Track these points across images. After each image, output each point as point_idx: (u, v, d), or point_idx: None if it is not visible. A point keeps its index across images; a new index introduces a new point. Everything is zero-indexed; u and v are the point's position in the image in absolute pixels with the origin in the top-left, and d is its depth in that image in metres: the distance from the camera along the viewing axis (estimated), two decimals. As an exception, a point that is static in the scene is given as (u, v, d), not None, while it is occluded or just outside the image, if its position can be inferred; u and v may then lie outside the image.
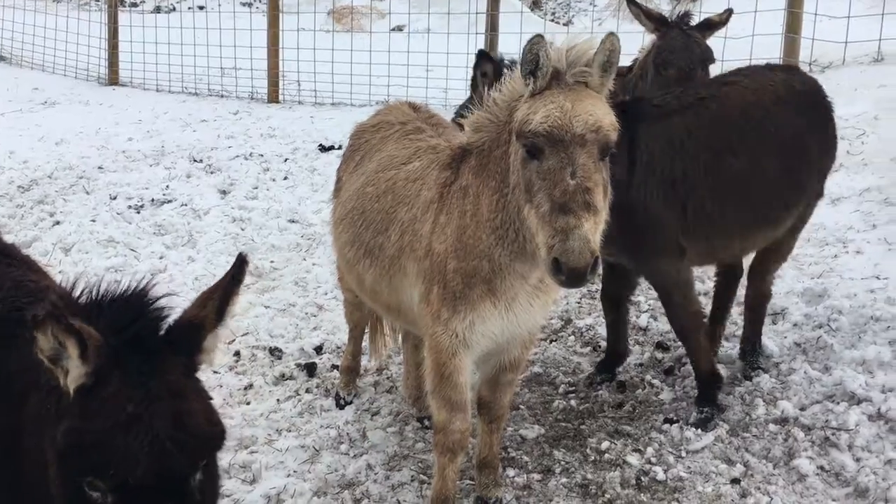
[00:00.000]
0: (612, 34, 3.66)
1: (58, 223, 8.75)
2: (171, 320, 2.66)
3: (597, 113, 3.56)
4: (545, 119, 3.51)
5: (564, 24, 16.12)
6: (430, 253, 4.11)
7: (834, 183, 7.44)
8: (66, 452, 2.43)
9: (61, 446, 2.45)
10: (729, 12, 6.81)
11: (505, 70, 5.43)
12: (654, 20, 6.45)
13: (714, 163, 5.04)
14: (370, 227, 4.48)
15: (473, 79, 5.84)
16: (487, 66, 5.73)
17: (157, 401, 2.43)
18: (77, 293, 2.80)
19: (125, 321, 2.57)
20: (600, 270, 3.49)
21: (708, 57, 6.51)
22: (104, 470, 2.36)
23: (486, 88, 5.53)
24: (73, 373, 2.46)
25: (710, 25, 6.67)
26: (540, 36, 3.60)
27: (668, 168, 4.99)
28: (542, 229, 3.52)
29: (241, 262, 2.72)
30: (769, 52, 10.76)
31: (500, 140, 3.92)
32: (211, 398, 2.68)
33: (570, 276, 3.41)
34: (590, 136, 3.51)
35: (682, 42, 6.27)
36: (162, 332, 2.60)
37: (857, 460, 4.79)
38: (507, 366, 4.42)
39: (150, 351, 2.53)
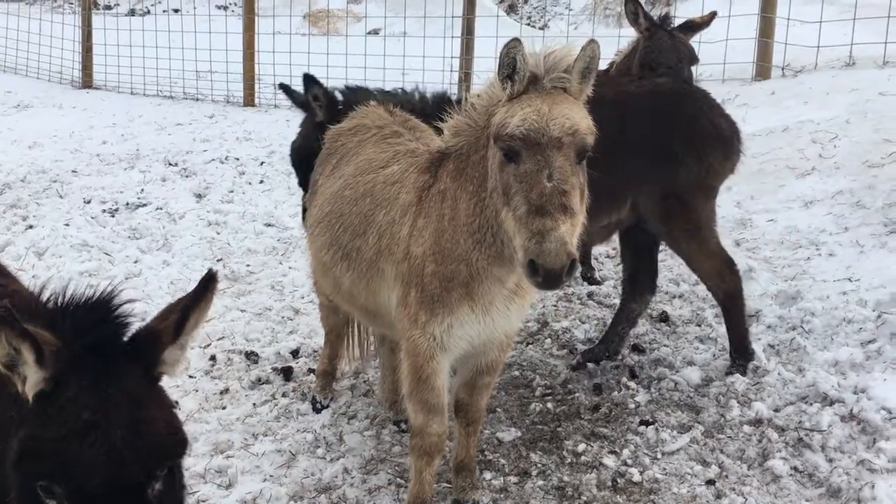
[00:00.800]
0: (593, 41, 3.67)
1: (31, 227, 8.68)
2: (136, 327, 2.61)
3: (574, 117, 3.57)
4: (522, 122, 3.53)
5: (540, 28, 16.17)
6: (408, 256, 4.11)
7: (807, 186, 7.53)
8: (23, 459, 2.39)
9: (17, 453, 2.40)
10: (712, 15, 6.91)
11: (335, 95, 5.65)
12: (648, 20, 6.54)
13: None
14: (348, 231, 4.47)
15: (306, 101, 5.89)
16: (317, 90, 5.77)
17: (115, 408, 2.39)
18: (43, 298, 2.77)
19: (88, 327, 2.52)
20: (577, 273, 3.50)
21: (693, 57, 6.60)
22: (60, 477, 2.32)
23: (320, 110, 5.62)
24: (31, 379, 2.42)
25: (693, 27, 6.76)
26: (517, 40, 3.60)
27: None
28: (519, 232, 3.52)
29: (208, 280, 2.64)
30: (743, 56, 10.88)
31: (479, 144, 3.93)
32: (173, 406, 2.63)
33: (546, 277, 3.42)
34: (566, 140, 3.52)
35: (669, 43, 6.36)
36: (124, 340, 2.55)
37: (830, 461, 4.83)
38: (484, 369, 4.42)
39: (110, 358, 2.48)
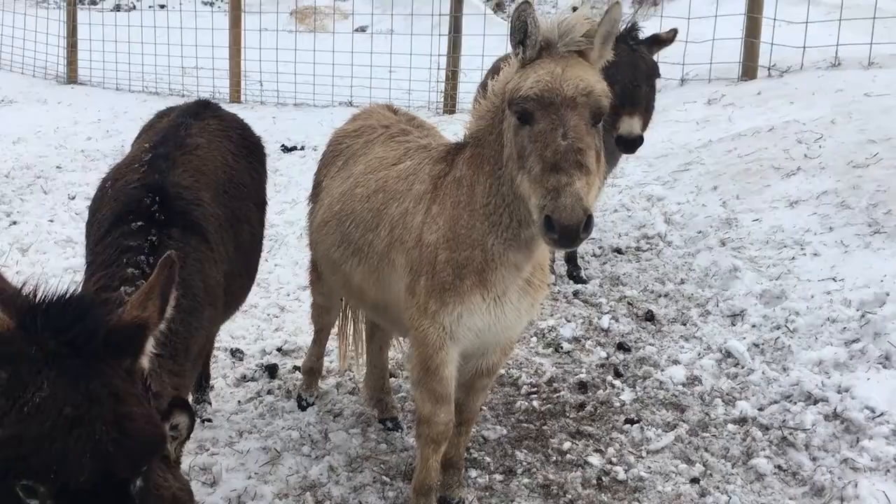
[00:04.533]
0: (616, 3, 3.67)
1: (14, 223, 8.63)
2: (111, 320, 2.59)
3: (588, 78, 3.56)
4: (536, 83, 3.51)
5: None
6: (419, 243, 4.07)
7: (792, 186, 7.55)
8: (3, 459, 2.35)
9: None
10: (674, 31, 6.89)
11: None
12: None
13: None
14: (359, 227, 4.44)
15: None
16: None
17: (97, 403, 2.37)
18: (23, 294, 2.75)
19: (64, 323, 2.49)
20: (593, 231, 3.48)
21: (653, 73, 6.57)
22: (44, 475, 2.30)
23: None
24: None
25: (658, 42, 6.73)
26: (527, 2, 3.58)
27: None
28: (534, 192, 3.47)
29: (171, 265, 2.68)
30: (729, 56, 10.91)
31: (495, 123, 3.90)
32: (150, 401, 2.62)
33: (562, 233, 3.36)
34: (581, 100, 3.50)
35: (627, 58, 6.29)
36: (101, 334, 2.52)
37: (814, 459, 4.86)
38: (483, 371, 4.41)
39: (89, 353, 2.46)
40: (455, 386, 4.27)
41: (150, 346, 2.63)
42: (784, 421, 5.15)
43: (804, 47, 10.34)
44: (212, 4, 18.76)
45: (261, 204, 4.99)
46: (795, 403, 5.27)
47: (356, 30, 15.56)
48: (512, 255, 3.92)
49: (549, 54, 3.62)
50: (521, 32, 3.63)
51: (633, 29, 6.62)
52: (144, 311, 2.61)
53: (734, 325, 6.19)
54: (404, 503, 4.63)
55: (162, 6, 17.84)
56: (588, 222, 3.39)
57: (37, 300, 2.60)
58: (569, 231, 3.36)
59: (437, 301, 3.99)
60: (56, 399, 2.36)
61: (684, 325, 6.42)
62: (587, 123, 3.53)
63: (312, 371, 5.64)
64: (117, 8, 18.99)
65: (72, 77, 15.18)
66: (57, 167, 10.31)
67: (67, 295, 2.61)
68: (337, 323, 5.69)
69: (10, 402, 2.39)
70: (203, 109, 5.17)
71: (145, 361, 2.64)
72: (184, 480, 3.10)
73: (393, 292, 4.31)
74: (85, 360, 2.44)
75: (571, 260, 7.28)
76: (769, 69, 10.80)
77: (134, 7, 19.26)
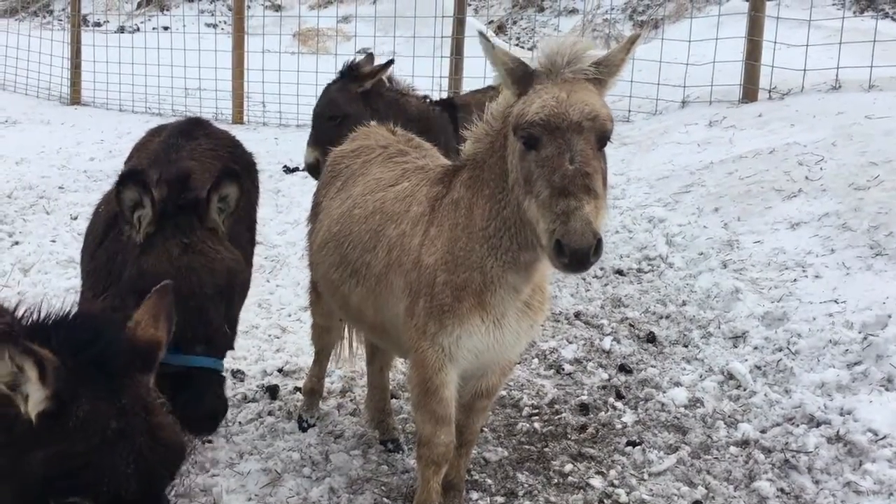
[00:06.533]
0: (639, 35, 3.81)
1: (17, 243, 8.64)
2: (126, 337, 2.67)
3: (593, 103, 3.57)
4: (542, 108, 3.53)
5: (529, 49, 16.23)
6: (418, 265, 4.10)
7: (794, 208, 7.56)
8: (51, 480, 2.38)
9: (41, 474, 2.39)
10: (389, 63, 7.27)
11: None
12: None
13: None
14: (357, 248, 4.47)
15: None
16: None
17: (134, 416, 2.45)
18: (21, 315, 2.76)
19: (84, 341, 2.54)
20: (602, 254, 3.49)
21: (324, 112, 6.98)
22: (94, 490, 2.35)
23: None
24: (34, 397, 2.40)
25: (360, 76, 7.08)
26: (483, 35, 3.81)
27: None
28: (542, 216, 3.50)
29: (167, 291, 2.85)
30: (730, 78, 10.96)
31: (494, 147, 3.93)
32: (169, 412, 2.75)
33: (573, 257, 3.39)
34: (586, 124, 3.52)
35: (323, 95, 6.91)
36: (123, 351, 2.59)
37: (817, 483, 4.84)
38: (482, 392, 4.41)
39: (113, 370, 2.52)
40: (455, 407, 4.26)
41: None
42: (786, 443, 5.13)
43: (805, 70, 10.37)
44: (215, 26, 18.85)
45: (251, 225, 5.03)
46: (798, 426, 5.25)
47: (359, 51, 15.59)
48: (511, 277, 3.94)
49: (551, 79, 3.64)
50: (518, 70, 3.74)
51: (354, 66, 7.04)
52: (157, 330, 2.73)
53: (736, 347, 6.17)
54: (405, 525, 4.62)
55: (165, 28, 17.97)
56: (598, 246, 3.40)
57: (51, 320, 2.66)
58: (579, 255, 3.38)
59: (436, 323, 4.01)
60: (100, 414, 2.42)
61: (686, 346, 6.41)
62: (593, 148, 3.54)
63: (313, 392, 5.63)
64: (121, 30, 19.08)
65: (75, 98, 15.25)
66: (59, 187, 10.34)
67: (82, 313, 2.69)
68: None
69: (51, 420, 2.42)
70: (194, 128, 5.21)
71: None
72: (235, 251, 3.33)
73: (391, 313, 4.32)
74: (111, 376, 2.51)
75: None
76: (770, 92, 10.84)
77: (138, 29, 19.38)
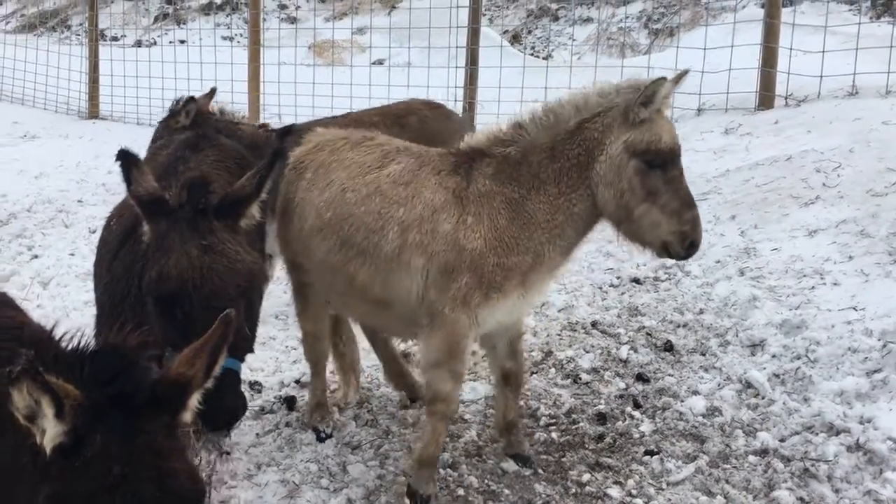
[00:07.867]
0: (665, 79, 4.54)
1: (36, 257, 8.71)
2: (154, 375, 2.57)
3: None
4: (672, 138, 4.48)
5: (544, 59, 16.23)
6: (457, 248, 4.55)
7: (811, 215, 7.52)
8: None
9: None
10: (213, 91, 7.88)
11: None
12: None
13: None
14: (361, 229, 4.78)
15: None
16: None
17: (141, 461, 2.36)
18: (59, 339, 2.72)
19: (109, 376, 2.48)
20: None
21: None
22: None
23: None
24: (50, 432, 2.36)
25: (175, 113, 7.38)
26: (663, 78, 4.46)
27: None
28: (672, 222, 4.45)
29: (227, 323, 2.66)
30: (746, 85, 10.92)
31: (567, 157, 4.59)
32: (193, 456, 2.61)
33: (692, 250, 4.56)
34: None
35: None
36: (146, 389, 2.50)
37: (837, 491, 4.81)
38: (516, 335, 5.11)
39: (133, 409, 2.44)
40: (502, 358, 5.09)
41: (194, 401, 2.61)
42: (806, 452, 5.10)
43: (821, 76, 10.32)
44: (231, 39, 18.94)
45: (261, 235, 5.06)
46: (817, 434, 5.22)
47: (374, 63, 15.68)
48: (559, 259, 4.73)
49: (660, 113, 4.50)
50: (649, 98, 4.42)
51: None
52: (191, 369, 2.58)
53: (754, 356, 6.14)
54: (423, 536, 4.62)
55: (182, 41, 18.04)
56: None
57: (80, 350, 2.59)
58: (697, 248, 4.59)
59: (481, 295, 4.54)
60: (106, 456, 2.34)
61: (703, 355, 6.38)
62: None
63: (321, 404, 5.68)
64: (138, 44, 19.19)
65: (93, 112, 15.35)
66: (78, 201, 10.41)
67: (110, 344, 2.60)
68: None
69: (64, 455, 2.37)
70: (201, 140, 5.25)
71: (188, 416, 2.62)
72: (253, 252, 3.31)
73: (401, 289, 4.70)
74: (129, 415, 2.42)
75: None
76: (786, 98, 10.79)
77: (155, 43, 19.48)
